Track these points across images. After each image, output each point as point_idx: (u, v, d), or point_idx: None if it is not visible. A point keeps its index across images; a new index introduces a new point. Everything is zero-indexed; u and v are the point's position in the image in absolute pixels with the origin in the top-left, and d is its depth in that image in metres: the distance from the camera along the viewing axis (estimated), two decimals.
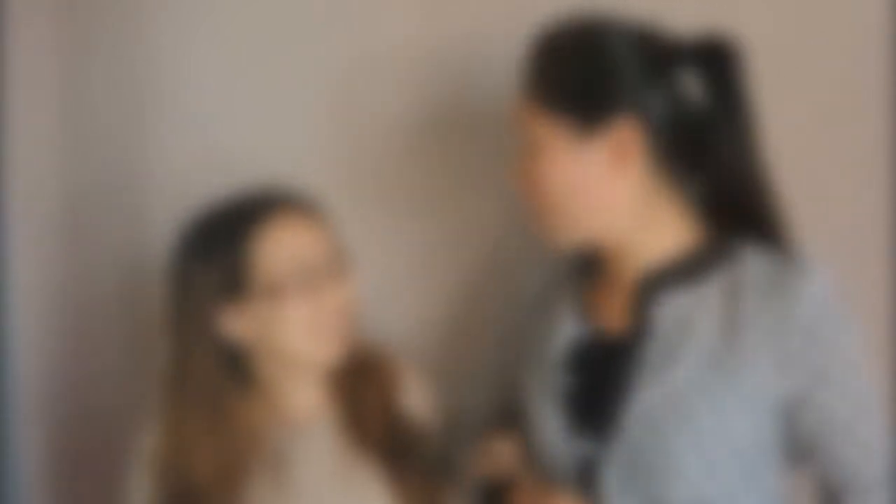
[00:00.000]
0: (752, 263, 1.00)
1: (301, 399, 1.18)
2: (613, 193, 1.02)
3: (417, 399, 1.21)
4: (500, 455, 1.10)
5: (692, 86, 1.03)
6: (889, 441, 0.98)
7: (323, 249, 1.14)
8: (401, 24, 1.36)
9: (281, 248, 1.11)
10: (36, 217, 1.45)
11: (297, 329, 1.12)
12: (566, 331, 1.08)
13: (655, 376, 0.98)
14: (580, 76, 1.00)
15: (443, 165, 1.38)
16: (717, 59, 1.01)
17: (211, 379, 1.13)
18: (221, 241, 1.12)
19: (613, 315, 1.06)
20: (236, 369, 1.16)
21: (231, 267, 1.11)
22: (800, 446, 0.99)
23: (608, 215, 1.03)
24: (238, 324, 1.13)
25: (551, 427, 1.05)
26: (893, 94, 1.23)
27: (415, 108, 1.38)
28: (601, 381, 1.03)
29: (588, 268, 1.13)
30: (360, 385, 1.18)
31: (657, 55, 1.01)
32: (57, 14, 1.45)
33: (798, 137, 1.24)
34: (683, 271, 1.03)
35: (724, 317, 0.98)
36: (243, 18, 1.41)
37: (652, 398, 0.98)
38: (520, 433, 1.12)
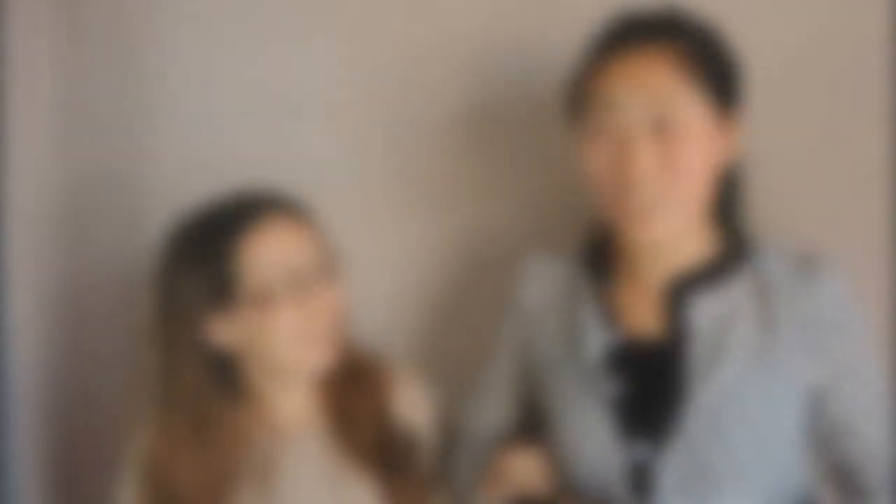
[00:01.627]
0: (772, 264, 1.05)
1: (290, 407, 1.16)
2: (710, 186, 1.03)
3: (412, 406, 1.19)
4: (524, 472, 1.04)
5: None
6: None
7: (311, 254, 1.12)
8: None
9: (269, 256, 1.09)
10: (32, 219, 1.43)
11: (286, 337, 1.10)
12: (596, 337, 1.07)
13: (709, 375, 1.00)
14: (728, 65, 1.03)
15: (457, 166, 1.37)
16: None
17: (197, 387, 1.11)
18: (209, 248, 1.09)
19: (642, 318, 1.06)
20: (225, 377, 1.14)
21: (219, 275, 1.09)
22: (823, 431, 1.03)
23: (699, 208, 1.03)
24: (226, 332, 1.11)
25: (598, 437, 1.03)
26: (893, 94, 1.23)
27: (417, 109, 1.37)
28: (647, 385, 1.03)
29: (601, 271, 1.11)
30: (351, 393, 1.16)
31: None
32: (53, 18, 1.44)
33: (798, 138, 1.25)
34: (710, 273, 1.05)
35: (759, 315, 1.02)
36: (241, 20, 1.40)
37: (710, 396, 1.00)
38: (542, 445, 1.08)
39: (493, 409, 1.20)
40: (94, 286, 1.46)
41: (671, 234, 1.03)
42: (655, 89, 0.98)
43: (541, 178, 1.32)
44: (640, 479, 1.01)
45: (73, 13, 1.44)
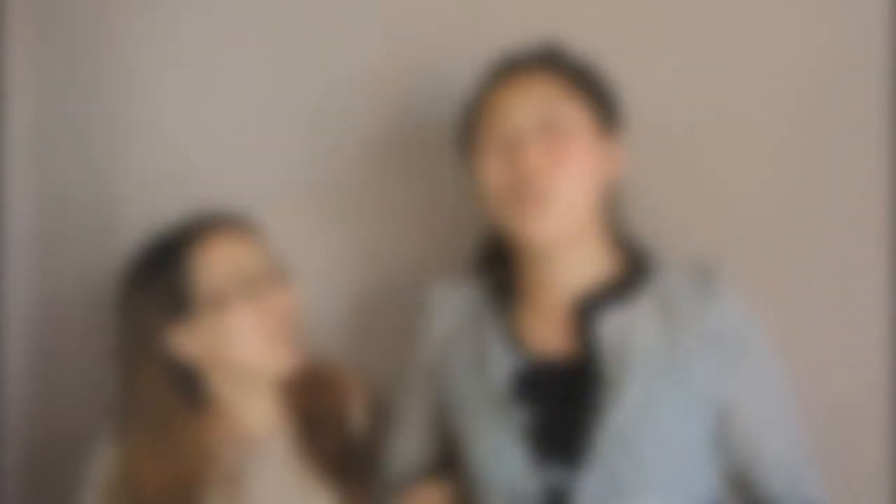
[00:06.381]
0: (673, 279, 1.06)
1: (255, 416, 1.18)
2: (592, 196, 1.06)
3: (362, 413, 1.21)
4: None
5: None
6: (802, 436, 1.06)
7: (261, 260, 1.16)
8: (365, 54, 1.38)
9: (219, 261, 1.13)
10: (8, 234, 1.44)
11: (245, 338, 1.13)
12: (502, 361, 1.06)
13: (620, 394, 1.00)
14: (605, 90, 1.09)
15: (397, 182, 1.39)
16: None
17: (162, 402, 1.14)
18: (162, 264, 1.14)
19: (549, 340, 1.07)
20: (189, 389, 1.16)
21: (174, 286, 1.13)
22: (728, 444, 1.04)
23: (589, 215, 1.06)
24: (188, 342, 1.14)
25: (512, 463, 1.03)
26: (893, 95, 1.23)
27: (375, 130, 1.38)
28: (558, 407, 1.03)
29: (505, 295, 1.12)
30: (314, 401, 1.20)
31: None
32: (32, 32, 1.46)
33: (798, 139, 1.25)
34: (614, 291, 1.06)
35: (663, 330, 1.03)
36: (214, 41, 1.43)
37: (619, 414, 0.99)
38: (454, 480, 1.11)
39: (411, 444, 1.18)
40: (68, 303, 1.46)
41: (563, 234, 1.03)
42: (541, 94, 1.05)
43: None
44: (556, 503, 1.00)
45: (50, 33, 1.46)
